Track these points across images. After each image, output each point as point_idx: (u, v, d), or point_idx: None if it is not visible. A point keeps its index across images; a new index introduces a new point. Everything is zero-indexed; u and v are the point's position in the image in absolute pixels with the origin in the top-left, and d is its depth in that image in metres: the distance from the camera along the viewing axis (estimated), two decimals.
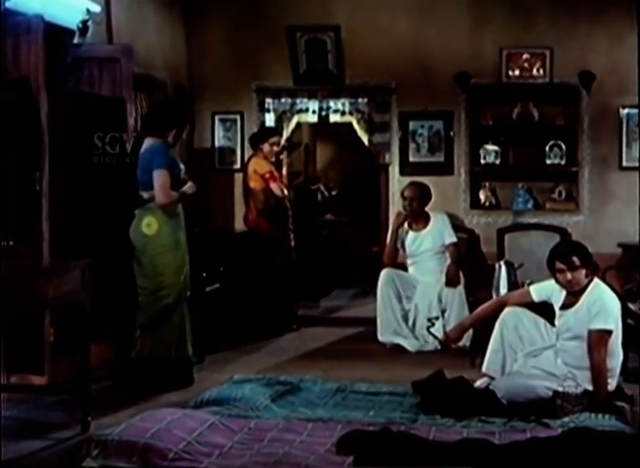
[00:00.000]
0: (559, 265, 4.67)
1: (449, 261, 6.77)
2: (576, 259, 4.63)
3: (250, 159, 7.31)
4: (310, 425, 4.22)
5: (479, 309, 5.23)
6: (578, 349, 4.66)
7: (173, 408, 4.44)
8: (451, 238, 6.86)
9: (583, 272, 4.65)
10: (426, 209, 6.92)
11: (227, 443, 3.96)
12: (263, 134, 7.36)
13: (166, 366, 5.39)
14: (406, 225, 6.92)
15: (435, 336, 5.70)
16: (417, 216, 6.88)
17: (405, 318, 6.69)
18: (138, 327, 5.44)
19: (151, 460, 3.72)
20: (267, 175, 7.08)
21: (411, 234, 6.90)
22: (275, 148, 7.23)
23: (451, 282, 6.63)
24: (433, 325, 5.98)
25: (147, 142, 5.49)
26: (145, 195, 5.41)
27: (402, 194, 6.94)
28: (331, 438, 4.00)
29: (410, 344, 6.56)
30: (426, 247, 6.83)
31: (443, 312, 6.58)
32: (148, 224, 5.36)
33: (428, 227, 6.86)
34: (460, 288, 6.64)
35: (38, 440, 4.38)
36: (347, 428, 4.12)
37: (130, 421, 4.05)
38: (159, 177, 5.32)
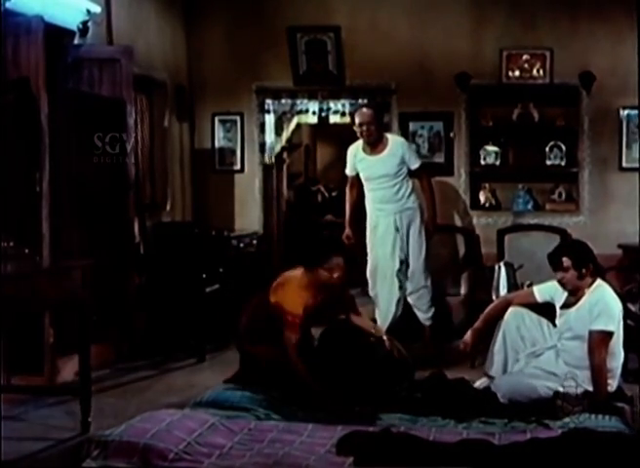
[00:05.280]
0: (551, 265, 4.73)
1: (409, 190, 6.33)
2: (566, 260, 4.68)
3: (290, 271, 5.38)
4: (310, 426, 4.22)
5: (487, 310, 5.20)
6: (578, 349, 4.66)
7: (172, 409, 4.43)
8: (415, 162, 6.34)
9: (576, 273, 4.68)
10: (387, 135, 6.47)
11: (227, 443, 3.96)
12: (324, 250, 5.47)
13: None
14: (362, 151, 6.41)
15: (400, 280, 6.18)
16: (374, 141, 6.30)
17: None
18: None
19: (151, 461, 3.72)
20: (290, 318, 4.91)
21: (367, 158, 6.34)
22: (336, 274, 5.30)
23: (428, 229, 6.37)
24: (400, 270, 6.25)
25: None
26: None
27: (353, 119, 6.36)
28: (331, 438, 4.00)
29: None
30: (383, 171, 6.27)
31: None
32: None
33: (385, 151, 6.28)
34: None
35: (38, 440, 4.39)
36: (347, 429, 4.12)
37: (130, 422, 4.04)
38: None
